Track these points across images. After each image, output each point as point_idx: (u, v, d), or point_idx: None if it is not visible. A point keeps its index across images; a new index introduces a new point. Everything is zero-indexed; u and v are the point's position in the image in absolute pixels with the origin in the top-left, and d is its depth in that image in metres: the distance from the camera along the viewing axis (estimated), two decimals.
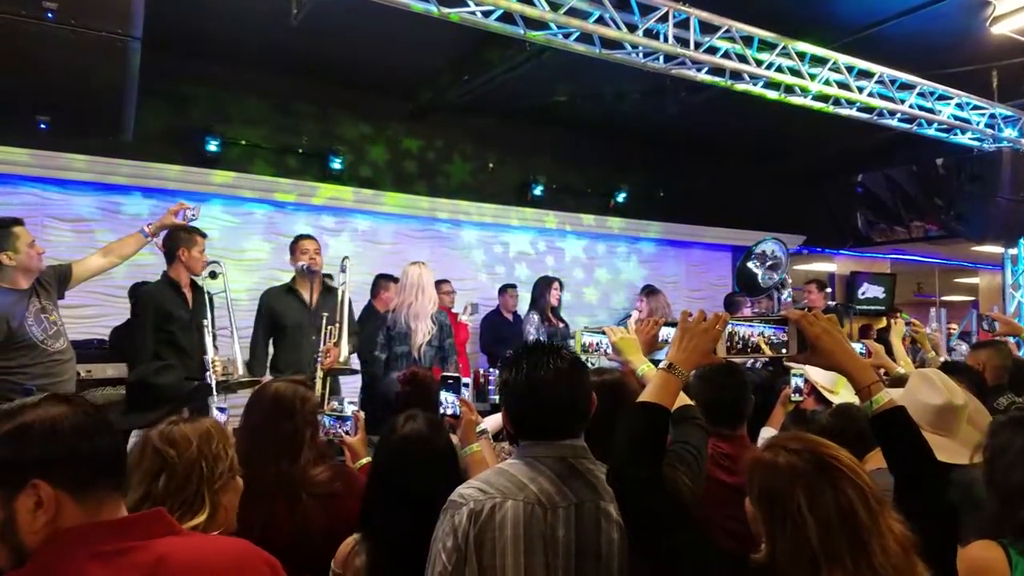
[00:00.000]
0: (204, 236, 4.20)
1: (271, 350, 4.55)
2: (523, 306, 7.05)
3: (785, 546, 1.27)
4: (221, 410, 2.91)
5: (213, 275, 4.15)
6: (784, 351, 1.67)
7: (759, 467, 1.35)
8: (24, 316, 3.31)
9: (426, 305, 4.55)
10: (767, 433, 3.01)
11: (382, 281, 5.89)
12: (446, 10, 4.14)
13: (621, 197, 8.69)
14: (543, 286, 6.34)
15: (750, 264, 6.75)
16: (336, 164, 6.85)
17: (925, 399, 2.26)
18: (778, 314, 1.72)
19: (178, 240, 4.06)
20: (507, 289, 7.12)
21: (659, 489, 1.48)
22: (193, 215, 3.92)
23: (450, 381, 2.58)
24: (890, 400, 1.53)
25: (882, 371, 3.88)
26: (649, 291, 6.91)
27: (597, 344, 2.59)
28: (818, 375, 3.20)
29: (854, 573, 1.21)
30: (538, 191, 8.07)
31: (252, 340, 4.48)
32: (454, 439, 2.49)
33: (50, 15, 3.28)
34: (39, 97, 3.83)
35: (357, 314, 5.60)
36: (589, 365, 2.11)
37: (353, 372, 4.42)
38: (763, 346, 1.68)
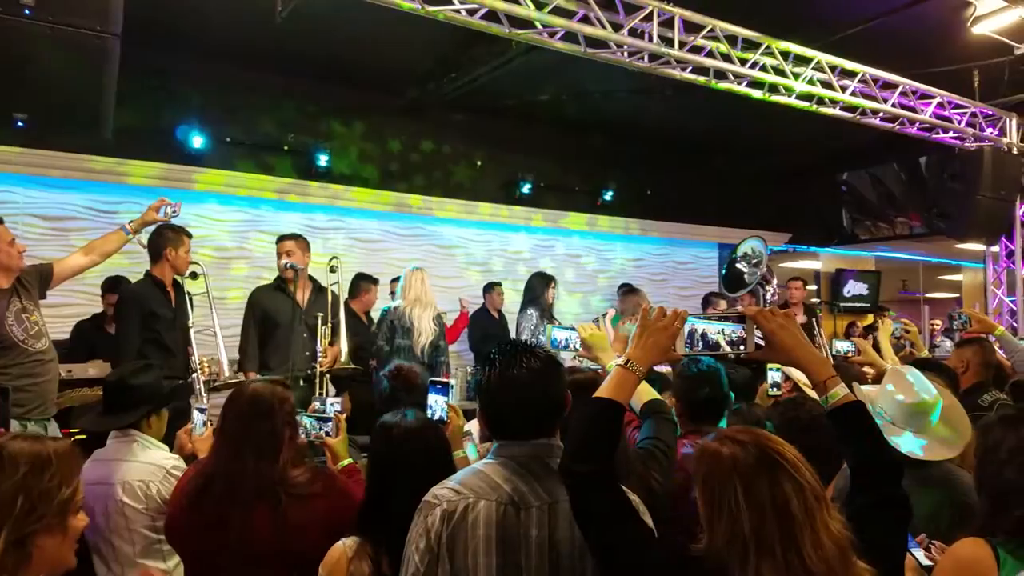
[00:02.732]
0: (189, 236, 4.17)
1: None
2: (508, 303, 7.07)
3: (720, 534, 1.31)
4: (201, 411, 2.89)
5: (194, 275, 4.13)
6: (743, 347, 1.68)
7: (704, 456, 1.39)
8: (4, 316, 3.27)
9: (428, 308, 4.86)
10: None
11: (362, 282, 5.89)
12: (431, 8, 4.13)
13: (609, 195, 8.72)
14: (541, 283, 6.34)
15: (738, 265, 6.81)
16: (322, 161, 6.83)
17: (897, 395, 2.29)
18: (735, 310, 1.72)
19: (166, 240, 4.03)
20: (493, 287, 7.13)
21: (606, 484, 1.49)
22: (174, 211, 3.87)
23: (438, 385, 2.57)
24: (846, 395, 1.56)
25: (868, 368, 3.92)
26: (626, 290, 6.94)
27: (567, 340, 2.59)
28: (798, 371, 3.21)
29: (784, 565, 1.24)
30: (526, 189, 8.07)
31: (242, 338, 4.47)
32: None
33: (27, 11, 3.24)
34: (15, 95, 3.79)
35: None
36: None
37: (355, 370, 4.43)
38: (722, 343, 1.69)
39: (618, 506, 1.49)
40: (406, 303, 4.92)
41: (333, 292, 4.44)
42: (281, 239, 4.54)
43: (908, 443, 2.19)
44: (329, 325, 4.22)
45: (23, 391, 3.25)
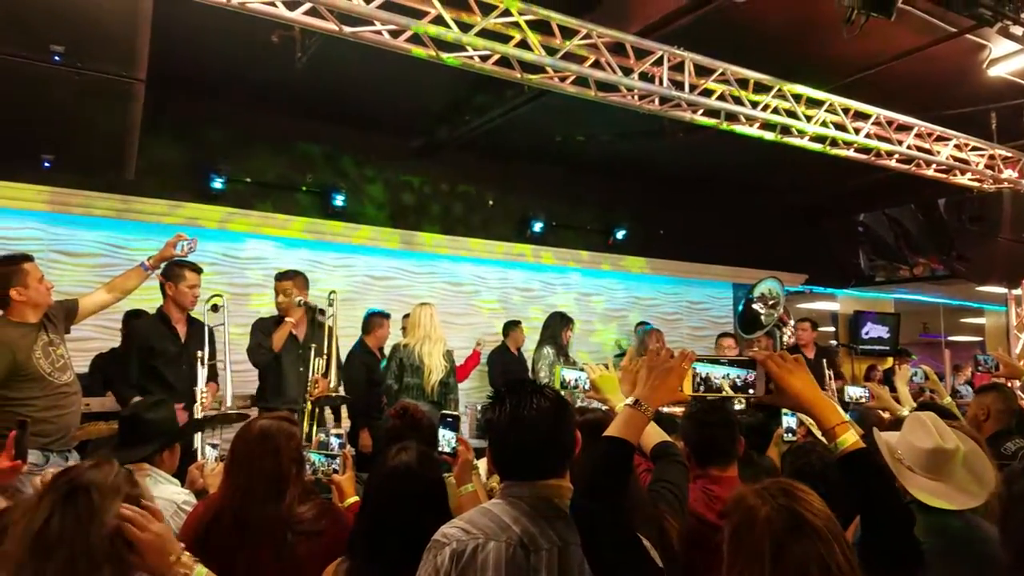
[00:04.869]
0: (197, 271, 4.23)
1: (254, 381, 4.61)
2: (529, 342, 7.08)
3: None
4: (213, 446, 2.90)
5: (215, 308, 4.19)
6: (751, 391, 1.68)
7: (739, 508, 1.39)
8: (32, 349, 3.36)
9: (438, 344, 4.86)
10: None
11: (375, 318, 5.93)
12: (446, 55, 4.22)
13: (621, 234, 8.73)
14: (560, 323, 6.36)
15: (755, 306, 6.77)
16: (338, 201, 6.93)
17: (917, 442, 2.24)
18: (744, 355, 1.72)
19: (166, 275, 4.13)
20: (515, 326, 7.14)
21: (616, 522, 1.49)
22: (190, 247, 3.94)
23: (449, 419, 2.57)
24: (855, 441, 1.55)
25: (886, 413, 3.87)
26: (645, 329, 6.98)
27: (576, 380, 2.58)
28: None
29: None
30: (537, 228, 8.12)
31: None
32: (451, 477, 2.48)
33: (57, 58, 3.36)
34: (44, 136, 3.91)
35: (347, 348, 5.68)
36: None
37: (343, 400, 4.46)
38: (725, 387, 1.68)
39: (628, 544, 1.49)
40: (415, 340, 4.91)
41: (328, 327, 4.47)
42: (280, 277, 4.63)
43: (928, 491, 2.13)
44: (323, 357, 4.29)
45: (48, 422, 3.32)
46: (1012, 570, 1.67)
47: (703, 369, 1.71)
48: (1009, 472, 1.85)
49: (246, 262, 6.63)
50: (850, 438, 1.54)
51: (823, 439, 2.98)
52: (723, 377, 1.70)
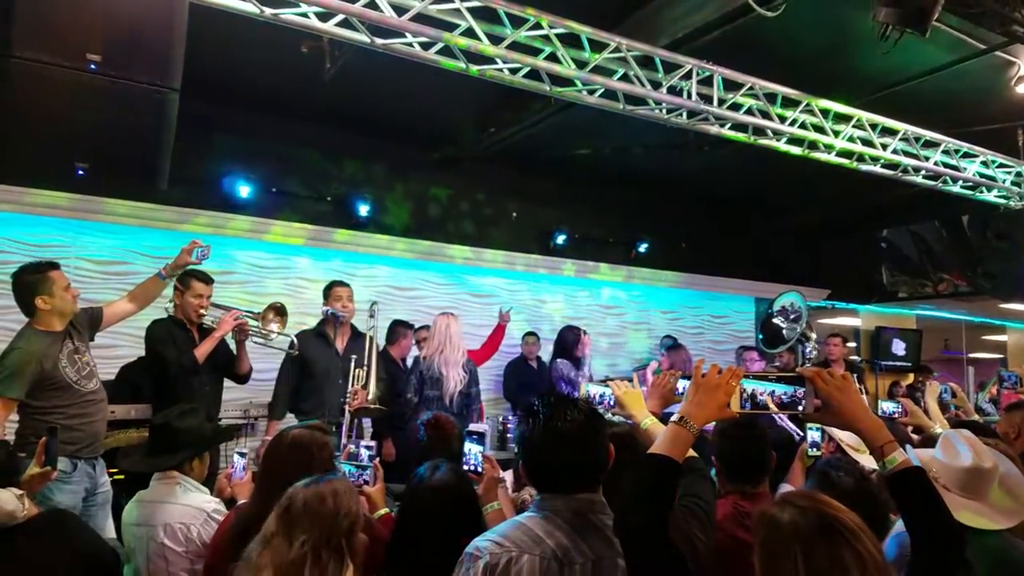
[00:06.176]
0: (205, 281, 4.17)
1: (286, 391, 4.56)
2: (544, 354, 7.06)
3: None
4: (241, 455, 2.91)
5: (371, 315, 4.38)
6: (801, 408, 1.66)
7: (764, 521, 1.38)
8: (58, 357, 3.38)
9: (455, 354, 4.74)
10: (785, 489, 2.95)
11: (399, 328, 5.94)
12: (476, 67, 4.25)
13: (643, 247, 8.74)
14: (572, 336, 6.35)
15: (776, 320, 6.71)
16: (363, 211, 6.98)
17: (953, 461, 2.21)
18: (792, 371, 1.70)
19: (179, 282, 4.12)
20: (528, 336, 7.14)
21: (661, 539, 1.48)
22: (203, 254, 3.89)
23: (475, 436, 2.57)
24: (905, 460, 1.52)
25: (912, 429, 3.82)
26: (672, 346, 6.95)
27: (600, 396, 2.58)
28: (844, 432, 3.14)
29: None
30: (561, 240, 8.15)
31: (277, 382, 4.53)
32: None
33: (93, 67, 3.40)
34: (79, 145, 3.95)
35: None
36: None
37: (381, 412, 4.45)
38: (770, 404, 1.67)
39: (672, 562, 1.47)
40: (432, 352, 4.87)
41: (371, 337, 4.47)
42: (332, 285, 4.62)
43: (967, 511, 2.10)
44: (364, 368, 4.27)
45: (75, 430, 3.34)
46: None
47: (750, 386, 1.69)
48: None
49: (270, 271, 6.68)
50: (899, 456, 1.52)
51: (853, 455, 2.98)
52: (769, 394, 1.68)
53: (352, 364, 4.21)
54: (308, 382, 4.48)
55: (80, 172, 4.06)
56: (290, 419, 4.48)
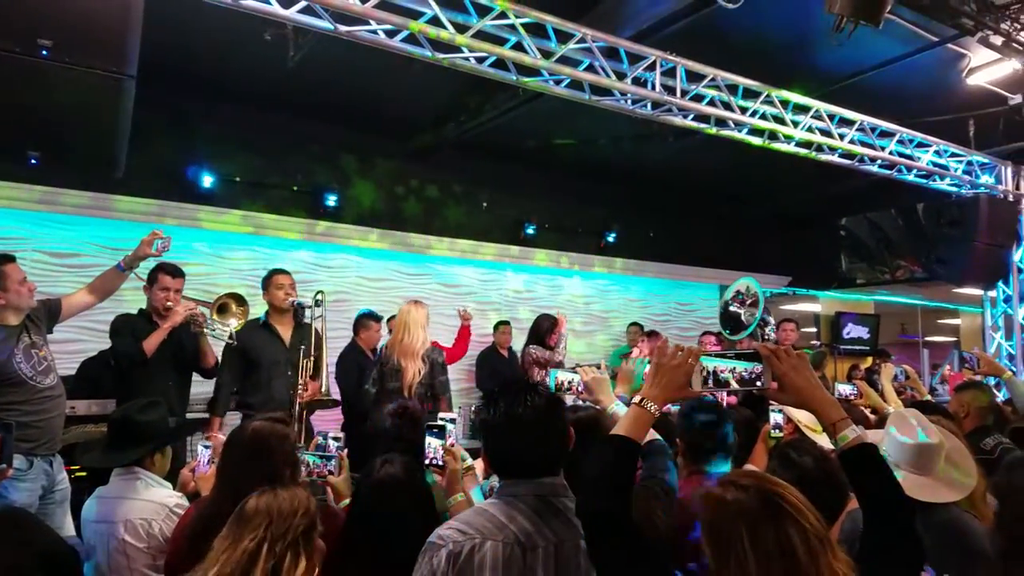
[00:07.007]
0: (172, 274, 4.07)
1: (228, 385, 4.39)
2: (516, 343, 7.09)
3: None
4: (206, 447, 2.88)
5: (317, 303, 4.23)
6: (759, 383, 1.68)
7: (709, 502, 1.38)
8: (12, 352, 3.30)
9: (414, 344, 4.47)
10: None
11: (363, 319, 5.89)
12: (441, 55, 4.22)
13: (612, 237, 8.82)
14: (547, 323, 6.38)
15: (732, 308, 6.81)
16: (331, 202, 6.91)
17: (902, 438, 2.29)
18: (750, 349, 1.72)
19: (148, 277, 4.07)
20: (501, 326, 7.17)
21: (623, 520, 1.49)
22: (164, 245, 3.80)
23: (435, 429, 2.55)
24: (857, 437, 1.55)
25: (870, 410, 3.93)
26: (651, 333, 7.13)
27: (569, 382, 2.60)
28: (800, 413, 3.21)
29: None
30: (531, 230, 8.20)
31: (218, 378, 4.29)
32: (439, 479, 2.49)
33: (44, 52, 3.30)
34: (31, 133, 3.83)
35: (339, 350, 5.61)
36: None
37: (335, 403, 4.38)
38: (732, 382, 1.69)
39: (635, 545, 1.48)
40: (392, 343, 4.60)
41: (315, 327, 4.30)
42: (272, 274, 4.42)
43: (915, 486, 2.18)
44: (311, 359, 4.15)
45: (31, 427, 3.26)
46: (1007, 556, 1.69)
47: (710, 364, 1.69)
48: (1012, 460, 1.86)
49: (236, 262, 6.58)
50: (851, 433, 1.55)
51: (811, 435, 3.05)
52: (730, 371, 1.69)
53: (300, 354, 4.10)
54: (254, 375, 4.25)
55: (33, 161, 3.95)
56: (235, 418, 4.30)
